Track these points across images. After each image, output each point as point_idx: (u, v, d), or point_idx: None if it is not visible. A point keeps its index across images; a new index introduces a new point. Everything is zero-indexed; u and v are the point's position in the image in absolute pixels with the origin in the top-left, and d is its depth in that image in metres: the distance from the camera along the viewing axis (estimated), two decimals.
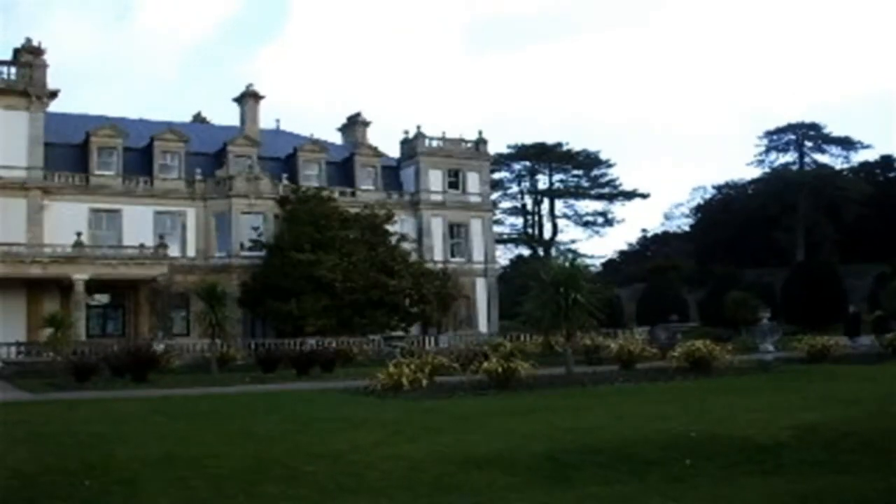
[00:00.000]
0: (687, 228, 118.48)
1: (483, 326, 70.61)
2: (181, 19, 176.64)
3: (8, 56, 61.09)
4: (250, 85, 73.02)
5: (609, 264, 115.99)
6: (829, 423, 16.54)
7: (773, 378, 28.75)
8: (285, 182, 65.88)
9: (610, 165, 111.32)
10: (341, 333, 54.64)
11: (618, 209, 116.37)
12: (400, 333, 59.41)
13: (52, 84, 59.98)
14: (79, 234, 55.93)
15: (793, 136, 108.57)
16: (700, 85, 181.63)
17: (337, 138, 79.55)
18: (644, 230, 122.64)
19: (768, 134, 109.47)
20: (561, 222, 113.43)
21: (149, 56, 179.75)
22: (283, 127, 78.34)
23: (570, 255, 74.22)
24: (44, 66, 59.94)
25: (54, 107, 61.11)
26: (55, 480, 12.67)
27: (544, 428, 17.17)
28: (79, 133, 62.83)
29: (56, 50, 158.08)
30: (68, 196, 60.01)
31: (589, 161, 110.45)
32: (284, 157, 69.82)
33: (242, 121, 72.81)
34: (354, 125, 78.92)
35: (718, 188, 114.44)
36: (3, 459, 14.37)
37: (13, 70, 59.38)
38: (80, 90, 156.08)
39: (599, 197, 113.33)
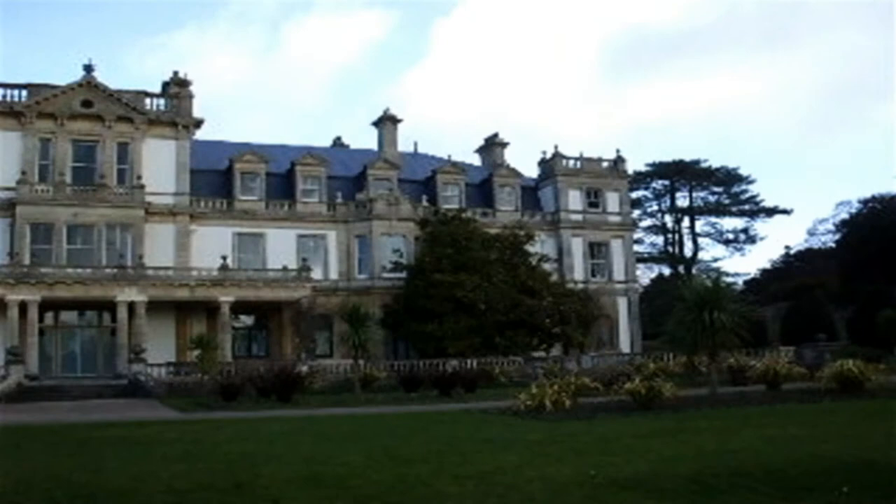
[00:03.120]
0: (832, 245, 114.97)
1: (625, 346, 69.85)
2: (325, 49, 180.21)
3: (157, 88, 63.47)
4: (388, 109, 74.04)
5: (752, 282, 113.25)
6: None
7: None
8: (425, 204, 66.35)
9: (750, 182, 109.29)
10: (483, 354, 54.67)
11: (759, 226, 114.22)
12: (541, 354, 59.18)
13: (197, 113, 62.07)
14: (224, 257, 57.27)
15: None
16: (840, 96, 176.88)
17: (474, 159, 79.84)
18: (787, 247, 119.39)
19: None
20: (702, 240, 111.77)
21: (292, 84, 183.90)
22: (420, 149, 79.06)
23: (712, 274, 73.01)
24: (190, 96, 62.01)
25: (200, 135, 63.08)
26: (206, 497, 12.86)
27: (690, 450, 16.80)
28: (223, 160, 64.58)
29: (204, 80, 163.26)
30: (214, 221, 61.64)
31: (729, 177, 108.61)
32: (423, 179, 70.46)
33: (380, 144, 73.75)
34: (492, 146, 79.16)
35: (864, 202, 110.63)
36: (158, 475, 14.74)
37: (161, 102, 61.63)
38: (224, 118, 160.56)
39: (740, 214, 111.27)
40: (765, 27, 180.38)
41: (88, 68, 59.59)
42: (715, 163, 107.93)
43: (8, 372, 46.70)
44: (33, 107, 57.78)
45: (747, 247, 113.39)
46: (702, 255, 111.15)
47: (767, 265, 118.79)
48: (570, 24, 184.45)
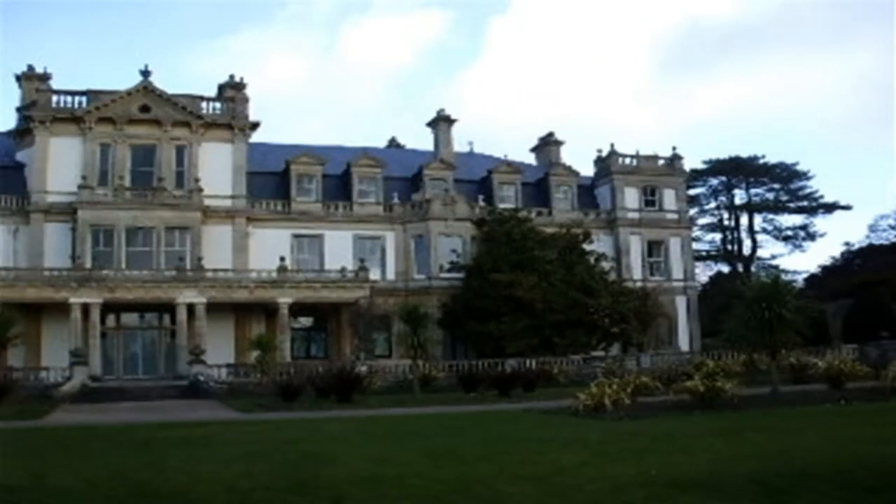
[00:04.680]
0: (895, 240, 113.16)
1: (684, 345, 69.29)
2: (382, 49, 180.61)
3: (214, 91, 64.07)
4: (442, 109, 73.92)
5: (812, 279, 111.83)
6: None
7: None
8: (481, 204, 66.27)
9: (808, 177, 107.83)
10: (541, 354, 54.50)
11: (819, 222, 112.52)
12: (600, 353, 58.80)
13: (253, 116, 62.64)
14: (282, 258, 57.63)
15: None
16: None
17: (529, 159, 79.54)
18: (847, 243, 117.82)
19: None
20: (760, 237, 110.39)
21: (348, 85, 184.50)
22: (475, 149, 78.94)
23: (772, 271, 72.17)
24: (245, 99, 62.57)
25: (256, 137, 63.54)
26: (268, 496, 12.94)
27: (751, 449, 16.65)
28: (279, 162, 64.92)
29: (261, 82, 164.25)
30: (271, 222, 62.06)
31: (786, 173, 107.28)
32: (479, 179, 70.33)
33: (436, 145, 73.73)
34: (547, 145, 78.86)
35: None
36: (220, 475, 14.86)
37: (217, 105, 62.21)
38: (281, 120, 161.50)
39: (799, 210, 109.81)
40: (822, 20, 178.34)
41: (145, 73, 60.31)
42: (772, 159, 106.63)
43: (72, 373, 47.48)
44: (93, 112, 58.59)
45: (807, 243, 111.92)
46: (760, 253, 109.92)
47: (828, 262, 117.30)
48: (624, 21, 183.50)
